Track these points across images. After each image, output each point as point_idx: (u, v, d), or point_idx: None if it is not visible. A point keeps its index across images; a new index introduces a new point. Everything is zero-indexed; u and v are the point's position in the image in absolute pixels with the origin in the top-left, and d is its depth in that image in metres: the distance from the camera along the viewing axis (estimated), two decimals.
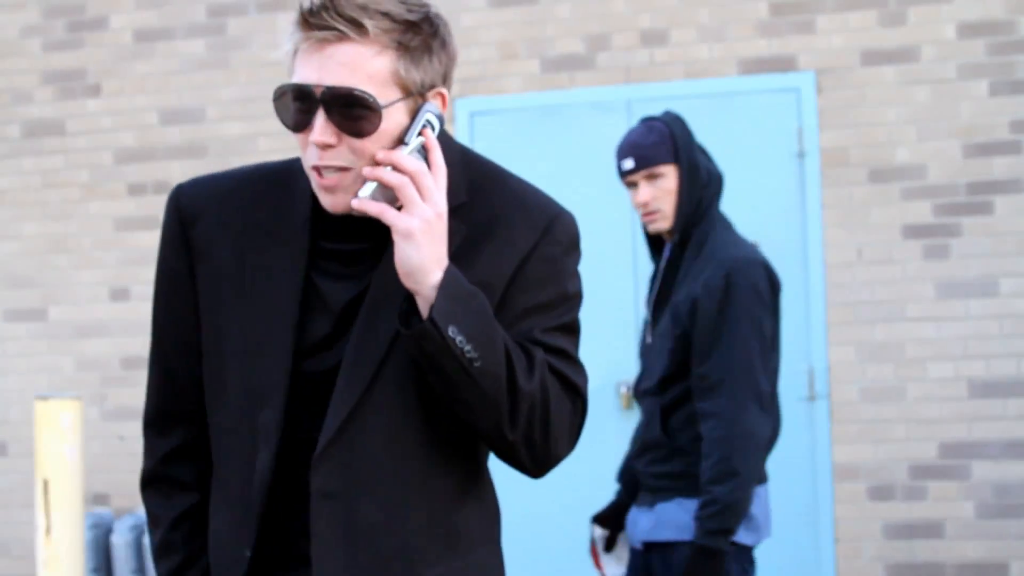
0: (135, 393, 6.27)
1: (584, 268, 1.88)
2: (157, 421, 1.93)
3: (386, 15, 1.68)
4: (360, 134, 1.69)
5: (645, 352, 3.52)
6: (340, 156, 1.70)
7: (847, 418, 5.57)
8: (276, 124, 6.14)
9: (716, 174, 3.45)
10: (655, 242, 3.58)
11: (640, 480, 3.52)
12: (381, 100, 1.68)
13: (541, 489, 5.03)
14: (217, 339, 1.82)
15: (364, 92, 1.67)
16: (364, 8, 1.67)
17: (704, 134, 5.73)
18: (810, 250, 5.63)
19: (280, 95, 1.72)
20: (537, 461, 1.80)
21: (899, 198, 5.57)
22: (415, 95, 1.73)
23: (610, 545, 3.72)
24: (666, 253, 3.48)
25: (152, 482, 1.93)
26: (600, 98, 5.87)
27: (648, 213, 3.41)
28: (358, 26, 1.67)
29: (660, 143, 3.41)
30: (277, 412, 1.77)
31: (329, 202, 1.74)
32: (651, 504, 3.44)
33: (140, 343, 6.28)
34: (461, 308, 1.68)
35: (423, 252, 1.68)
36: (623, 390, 5.71)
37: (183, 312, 1.86)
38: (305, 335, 1.78)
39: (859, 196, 5.61)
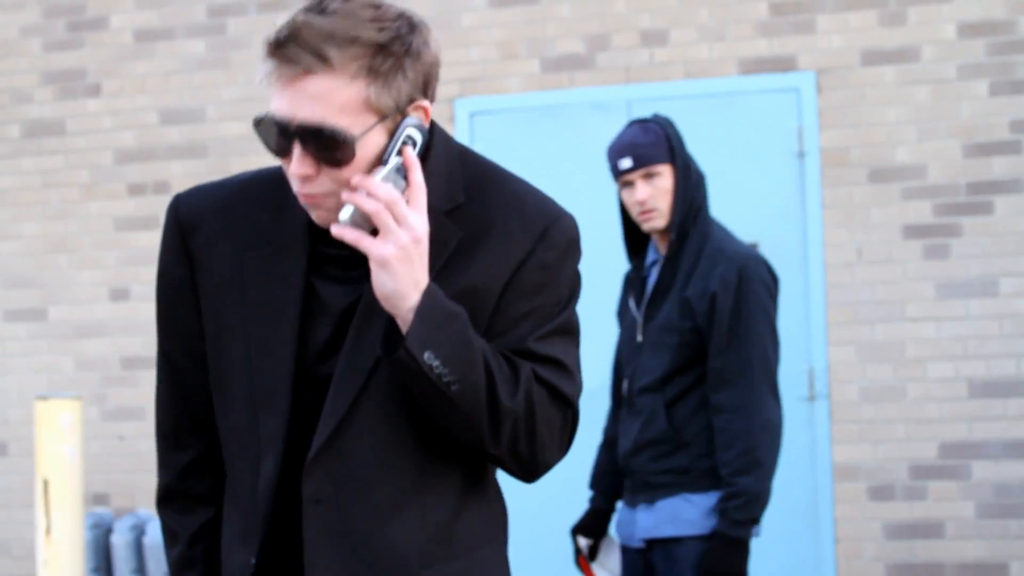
0: (135, 393, 6.27)
1: (584, 268, 1.88)
2: (170, 434, 1.93)
3: (354, 41, 1.64)
4: (337, 164, 1.68)
5: (636, 351, 3.53)
6: (321, 184, 1.70)
7: (847, 418, 5.57)
8: None
9: (702, 175, 3.53)
10: (634, 243, 3.62)
11: (635, 479, 3.52)
12: (356, 129, 1.67)
13: (543, 489, 5.04)
14: (221, 347, 1.83)
15: (335, 128, 1.65)
16: (330, 37, 1.64)
17: (704, 134, 5.75)
18: (810, 250, 5.63)
19: (259, 122, 1.71)
20: (526, 470, 1.81)
21: (899, 198, 5.57)
22: (393, 115, 1.71)
23: (593, 553, 3.75)
24: (652, 254, 3.56)
25: (169, 498, 1.93)
26: (600, 98, 5.87)
27: (645, 211, 3.46)
28: (323, 59, 1.64)
29: (656, 143, 3.47)
30: (281, 419, 1.77)
31: (316, 217, 1.74)
32: (651, 501, 3.46)
33: (140, 343, 6.28)
34: (438, 332, 1.68)
35: (398, 278, 1.67)
36: None
37: (186, 322, 1.87)
38: (307, 340, 1.78)
39: (859, 196, 5.61)
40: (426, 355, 1.67)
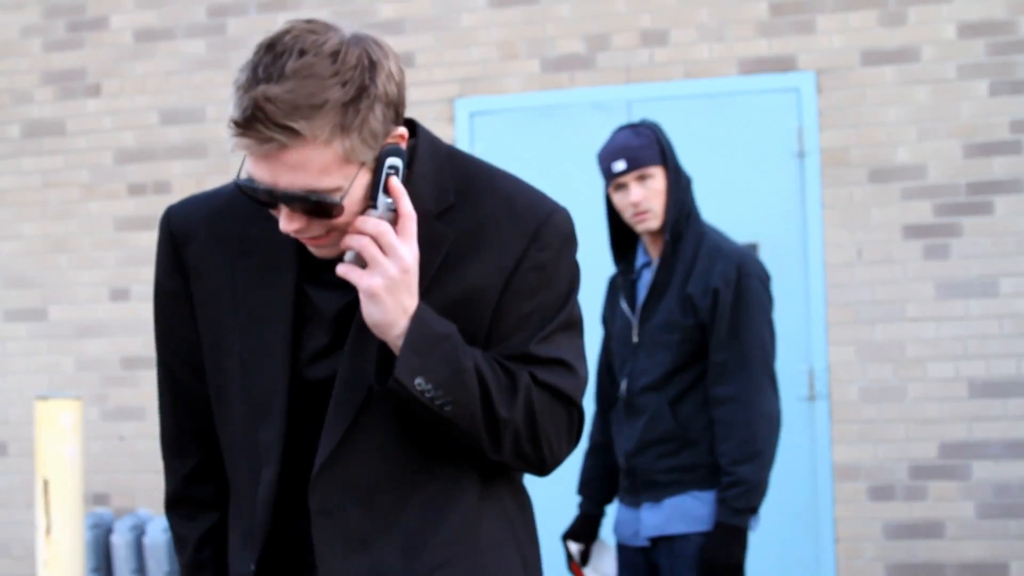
0: (135, 393, 6.27)
1: (584, 268, 1.88)
2: (173, 443, 1.95)
3: (321, 107, 1.60)
4: (327, 217, 1.68)
5: (631, 352, 3.56)
6: (313, 231, 1.70)
7: (847, 418, 5.57)
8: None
9: (690, 178, 3.61)
10: (620, 245, 3.67)
11: (638, 478, 3.53)
12: (340, 182, 1.65)
13: (550, 488, 5.04)
14: (217, 357, 1.83)
15: (320, 194, 1.64)
16: (296, 110, 1.59)
17: (704, 134, 5.75)
18: (810, 250, 5.63)
19: (240, 186, 1.69)
20: (534, 468, 1.82)
21: (899, 198, 5.57)
22: (369, 159, 1.69)
23: (584, 558, 3.78)
24: (642, 257, 3.61)
25: (176, 504, 1.96)
26: (600, 98, 5.87)
27: (640, 213, 3.52)
28: (294, 133, 1.60)
29: (649, 146, 3.54)
30: (278, 427, 1.78)
31: (316, 253, 1.75)
32: (657, 499, 3.49)
33: (140, 343, 6.28)
34: (428, 357, 1.69)
35: (386, 309, 1.68)
36: None
37: (183, 332, 1.88)
38: (302, 346, 1.78)
39: (859, 196, 5.61)
40: (417, 381, 1.69)
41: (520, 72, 5.97)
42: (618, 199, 3.55)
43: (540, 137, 5.93)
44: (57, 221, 6.44)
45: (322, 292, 1.78)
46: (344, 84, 1.61)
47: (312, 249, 1.74)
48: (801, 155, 5.67)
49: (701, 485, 3.46)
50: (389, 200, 1.70)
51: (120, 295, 6.34)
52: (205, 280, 1.84)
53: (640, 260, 3.62)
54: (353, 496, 1.75)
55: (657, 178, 3.51)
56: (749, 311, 3.45)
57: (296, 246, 1.79)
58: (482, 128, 5.99)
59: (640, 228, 3.53)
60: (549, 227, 1.78)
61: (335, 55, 1.62)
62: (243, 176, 1.70)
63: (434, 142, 1.81)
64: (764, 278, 3.52)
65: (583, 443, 3.86)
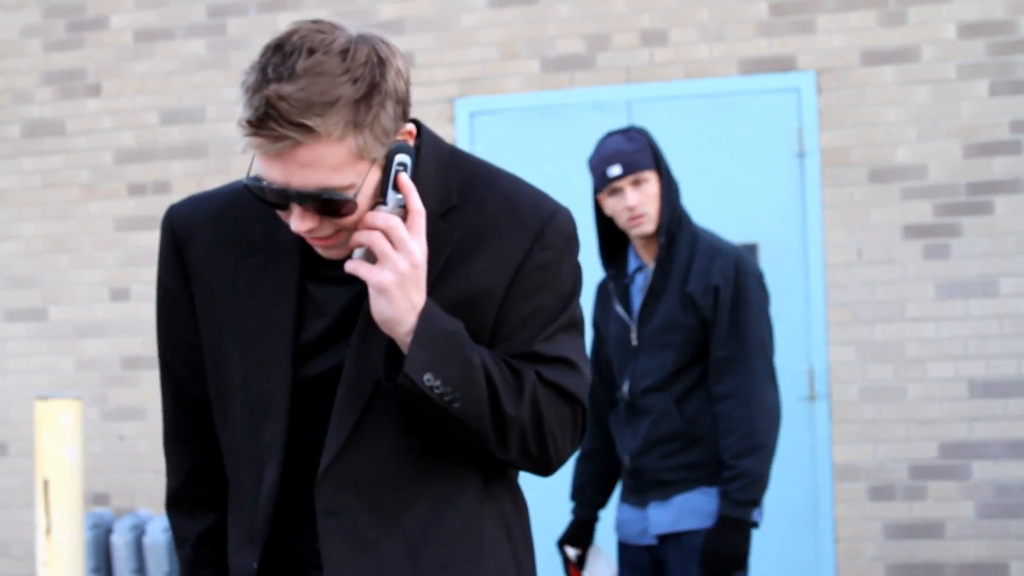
0: (135, 393, 6.27)
1: (584, 268, 1.88)
2: (173, 440, 1.96)
3: (334, 104, 1.60)
4: (340, 216, 1.68)
5: (630, 355, 3.59)
6: (324, 231, 1.70)
7: (847, 418, 5.57)
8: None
9: (678, 182, 3.65)
10: (607, 251, 3.71)
11: (643, 478, 3.56)
12: (353, 179, 1.65)
13: (551, 489, 5.04)
14: (218, 356, 1.83)
15: (334, 191, 1.64)
16: (310, 107, 1.59)
17: (704, 134, 5.75)
18: (810, 250, 5.63)
19: (249, 187, 1.69)
20: (538, 468, 1.82)
21: (899, 198, 5.57)
22: (383, 153, 1.69)
23: (579, 563, 3.80)
24: (634, 261, 3.65)
25: (176, 502, 1.96)
26: (600, 98, 5.87)
27: (635, 217, 3.56)
28: (308, 130, 1.60)
29: (643, 150, 3.58)
30: (280, 426, 1.77)
31: (324, 254, 1.75)
32: (665, 498, 3.53)
33: (140, 343, 6.28)
34: (437, 353, 1.69)
35: (396, 304, 1.68)
36: None
37: (184, 333, 1.88)
38: (304, 344, 1.78)
39: (859, 196, 5.61)
40: (425, 377, 1.68)
41: (520, 72, 5.97)
42: (612, 204, 3.58)
43: (540, 137, 5.93)
44: (57, 221, 6.44)
45: (325, 288, 1.78)
46: (355, 81, 1.62)
47: (320, 250, 1.74)
48: (801, 155, 5.67)
49: (708, 481, 3.51)
50: (399, 196, 1.70)
51: (120, 295, 6.34)
52: (206, 279, 1.83)
53: (632, 264, 3.66)
54: (359, 496, 1.75)
55: (651, 182, 3.55)
56: (749, 307, 3.50)
57: (299, 243, 1.79)
58: (482, 128, 5.99)
59: (635, 232, 3.56)
60: (552, 227, 1.78)
61: (344, 53, 1.62)
62: (251, 176, 1.69)
63: (437, 142, 1.81)
64: (759, 274, 3.58)
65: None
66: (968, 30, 5.54)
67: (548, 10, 5.96)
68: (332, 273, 1.78)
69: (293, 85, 1.59)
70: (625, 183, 3.54)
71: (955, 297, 5.50)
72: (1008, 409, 5.45)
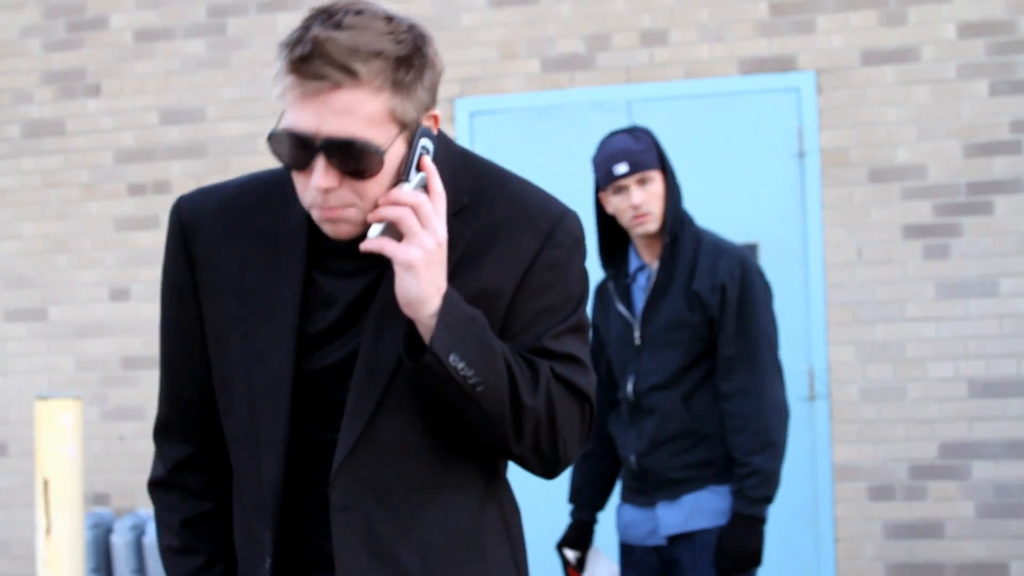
0: (135, 393, 6.27)
1: (586, 268, 1.89)
2: (167, 431, 1.94)
3: (378, 55, 1.64)
4: (362, 177, 1.68)
5: (633, 354, 3.60)
6: (341, 197, 1.70)
7: (847, 418, 5.57)
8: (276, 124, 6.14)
9: (679, 184, 3.68)
10: (609, 250, 3.72)
11: (650, 477, 3.56)
12: (381, 141, 1.67)
13: (549, 492, 5.04)
14: (223, 348, 1.83)
15: (365, 141, 1.65)
16: (355, 52, 1.63)
17: (704, 134, 5.75)
18: (810, 250, 5.63)
19: (273, 136, 1.70)
20: (547, 466, 1.82)
21: (899, 198, 5.57)
22: (412, 125, 1.71)
23: (579, 565, 3.80)
24: (635, 261, 3.66)
25: (161, 486, 1.94)
26: (600, 98, 5.87)
27: (640, 215, 3.57)
28: (352, 73, 1.63)
29: (648, 150, 3.60)
30: (284, 417, 1.77)
31: (332, 231, 1.74)
32: (674, 497, 3.54)
33: (140, 343, 6.28)
34: (460, 335, 1.69)
35: (423, 282, 1.68)
36: None
37: (186, 325, 1.87)
38: (308, 336, 1.78)
39: (859, 196, 5.61)
40: (451, 358, 1.68)
41: (520, 72, 5.97)
42: (616, 201, 3.59)
43: (540, 137, 5.93)
44: (57, 221, 6.44)
45: (332, 281, 1.78)
46: (399, 42, 1.67)
47: (327, 227, 1.73)
48: (801, 155, 5.67)
49: (718, 480, 3.52)
50: (422, 174, 1.71)
51: (120, 295, 6.34)
52: (213, 270, 1.83)
53: (633, 264, 3.67)
54: (372, 492, 1.75)
55: (656, 182, 3.56)
56: (755, 305, 3.52)
57: (306, 235, 1.79)
58: (482, 128, 5.99)
59: (638, 231, 3.57)
60: (562, 228, 1.80)
61: (389, 19, 1.68)
62: (278, 128, 1.70)
63: (449, 144, 1.83)
64: (763, 273, 3.62)
65: None
66: (968, 30, 5.54)
67: (548, 10, 5.96)
68: (339, 266, 1.78)
69: (341, 32, 1.64)
70: (631, 181, 3.55)
71: (955, 297, 5.50)
72: (1008, 409, 5.45)
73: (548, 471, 1.83)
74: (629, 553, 3.66)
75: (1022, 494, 5.42)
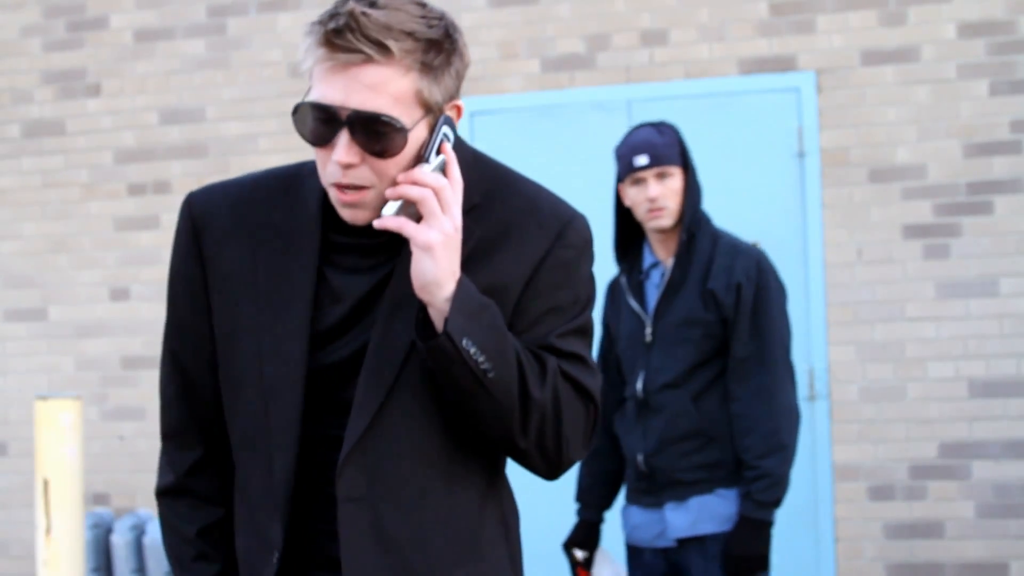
0: (135, 393, 6.27)
1: (597, 266, 1.90)
2: (176, 434, 1.92)
3: (410, 35, 1.67)
4: (384, 155, 1.69)
5: (643, 351, 3.56)
6: (361, 175, 1.70)
7: (847, 418, 5.57)
8: (276, 124, 6.14)
9: (700, 184, 3.65)
10: (624, 244, 3.70)
11: (658, 478, 3.53)
12: (406, 121, 1.69)
13: (554, 492, 5.04)
14: (232, 345, 1.83)
15: (391, 117, 1.67)
16: (388, 29, 1.65)
17: (704, 134, 5.75)
18: (810, 250, 5.63)
19: (298, 109, 1.71)
20: (551, 465, 1.82)
21: (899, 198, 5.57)
22: (436, 110, 1.73)
23: (587, 565, 3.78)
24: (649, 257, 3.63)
25: (171, 494, 1.92)
26: (600, 98, 5.87)
27: (655, 209, 3.54)
28: (384, 48, 1.65)
29: (671, 145, 3.57)
30: (295, 412, 1.77)
31: (349, 216, 1.75)
32: (682, 499, 3.50)
33: (140, 343, 6.28)
34: (474, 321, 1.70)
35: (440, 265, 1.69)
36: None
37: (196, 322, 1.86)
38: (319, 331, 1.78)
39: (859, 196, 5.61)
40: (464, 342, 1.69)
41: (520, 72, 5.97)
42: (633, 193, 3.56)
43: (540, 137, 5.93)
44: (57, 221, 6.44)
45: (343, 277, 1.79)
46: (431, 26, 1.69)
47: (346, 212, 1.74)
48: (801, 155, 5.68)
49: (726, 483, 3.48)
50: (441, 157, 1.73)
51: (120, 295, 6.34)
52: (223, 266, 1.83)
53: (647, 260, 3.63)
54: (379, 484, 1.75)
55: (676, 178, 3.54)
56: (770, 307, 3.50)
57: (318, 231, 1.79)
58: (482, 128, 5.99)
59: (652, 225, 3.55)
60: (572, 229, 1.82)
61: (422, 4, 1.72)
62: (304, 102, 1.71)
63: (462, 144, 1.83)
64: (779, 275, 3.59)
65: None
66: (968, 30, 5.54)
67: (548, 10, 5.96)
68: (350, 262, 1.79)
69: (376, 11, 1.67)
70: (649, 174, 3.52)
71: (955, 297, 5.50)
72: (1008, 409, 5.45)
73: (550, 470, 1.83)
74: (637, 555, 3.62)
75: (1022, 494, 5.42)
